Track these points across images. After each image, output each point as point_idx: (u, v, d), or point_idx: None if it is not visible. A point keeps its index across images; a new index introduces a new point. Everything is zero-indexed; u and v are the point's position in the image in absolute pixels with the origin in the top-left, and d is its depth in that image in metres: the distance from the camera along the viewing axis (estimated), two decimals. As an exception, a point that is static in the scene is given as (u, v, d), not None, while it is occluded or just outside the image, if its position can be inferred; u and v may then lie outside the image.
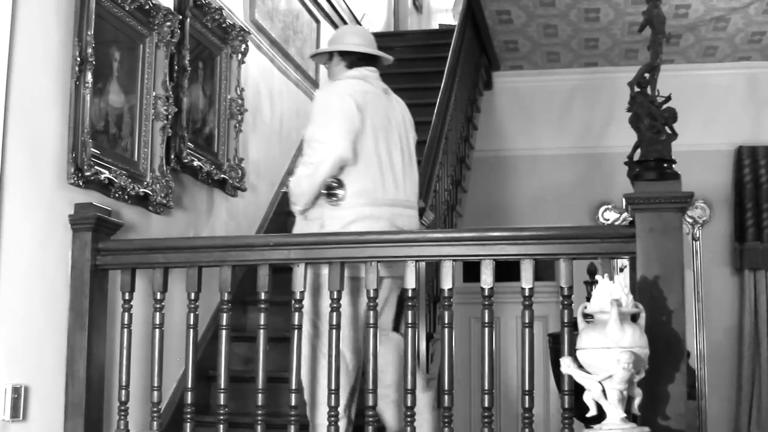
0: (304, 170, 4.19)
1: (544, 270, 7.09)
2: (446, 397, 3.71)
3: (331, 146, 4.10)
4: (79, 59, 4.09)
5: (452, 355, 3.76)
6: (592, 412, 3.19)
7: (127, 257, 4.15)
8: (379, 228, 4.09)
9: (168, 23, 4.81)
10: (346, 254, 3.88)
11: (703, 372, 8.32)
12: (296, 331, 3.86)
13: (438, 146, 5.60)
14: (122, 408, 4.05)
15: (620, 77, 7.63)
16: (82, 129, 4.09)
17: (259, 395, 3.86)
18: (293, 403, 3.83)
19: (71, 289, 4.07)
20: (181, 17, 4.99)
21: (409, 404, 3.72)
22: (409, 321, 3.77)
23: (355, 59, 4.42)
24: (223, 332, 3.95)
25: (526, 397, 3.62)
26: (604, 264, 3.67)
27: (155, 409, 4.02)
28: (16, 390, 3.71)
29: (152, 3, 4.67)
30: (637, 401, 3.23)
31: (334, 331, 3.80)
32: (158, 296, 4.06)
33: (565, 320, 3.59)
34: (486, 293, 3.68)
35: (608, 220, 8.68)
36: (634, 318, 3.22)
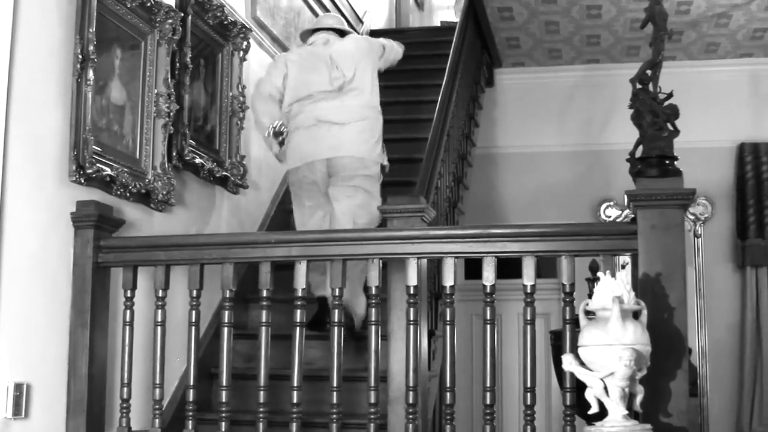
0: None
1: (546, 267, 7.08)
2: (448, 394, 3.71)
3: None
4: (80, 57, 4.09)
5: (454, 352, 3.77)
6: (594, 409, 3.20)
7: (128, 255, 4.15)
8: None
9: (170, 20, 4.81)
10: (348, 251, 3.89)
11: (704, 369, 8.32)
12: (297, 328, 3.87)
13: (439, 143, 5.60)
14: (124, 405, 4.06)
15: (622, 74, 7.61)
16: (84, 126, 4.09)
17: (261, 393, 3.87)
18: (295, 401, 3.83)
19: (73, 287, 4.07)
20: (182, 14, 4.99)
21: (411, 401, 3.73)
22: (411, 318, 3.78)
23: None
24: (225, 330, 3.96)
25: (528, 394, 3.62)
26: (606, 261, 3.68)
27: (157, 406, 4.02)
28: (18, 387, 3.72)
29: (154, 0, 4.67)
30: (638, 398, 3.23)
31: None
32: (160, 294, 4.07)
33: (567, 317, 3.60)
34: (488, 290, 3.69)
35: (610, 217, 8.66)
36: (635, 315, 3.23)
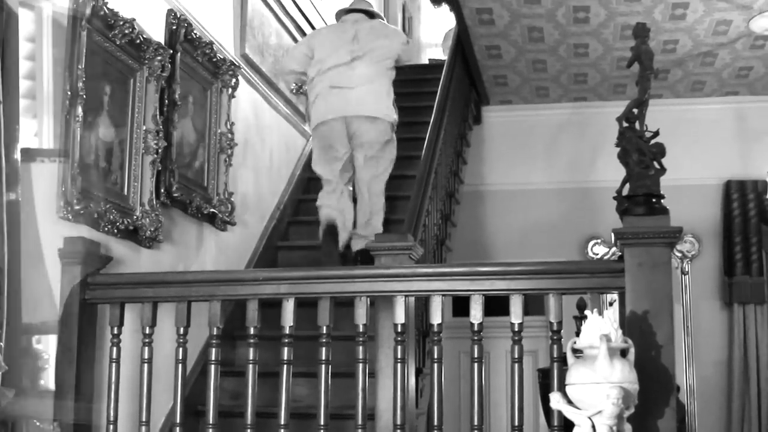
0: None
1: (534, 304, 7.09)
2: (436, 432, 3.70)
3: None
4: (69, 93, 4.10)
5: (441, 390, 3.76)
6: (582, 447, 3.18)
7: (116, 291, 4.14)
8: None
9: (159, 57, 4.82)
10: (336, 289, 3.88)
11: (692, 406, 8.30)
12: (285, 365, 3.85)
13: (427, 181, 5.61)
14: (110, 443, 4.03)
15: (609, 112, 7.61)
16: (72, 162, 4.09)
17: (248, 431, 3.84)
18: (282, 439, 3.82)
19: (60, 323, 4.05)
20: (171, 51, 5.00)
21: (398, 440, 3.72)
22: (399, 356, 3.77)
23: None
24: (213, 367, 3.94)
25: (516, 432, 3.61)
26: (593, 299, 3.68)
27: (143, 444, 4.00)
28: (3, 424, 3.69)
29: (143, 37, 4.69)
30: (626, 437, 3.23)
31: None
32: (147, 331, 4.05)
33: (555, 355, 3.59)
34: (475, 328, 3.68)
35: (597, 254, 8.68)
36: (623, 353, 3.22)
